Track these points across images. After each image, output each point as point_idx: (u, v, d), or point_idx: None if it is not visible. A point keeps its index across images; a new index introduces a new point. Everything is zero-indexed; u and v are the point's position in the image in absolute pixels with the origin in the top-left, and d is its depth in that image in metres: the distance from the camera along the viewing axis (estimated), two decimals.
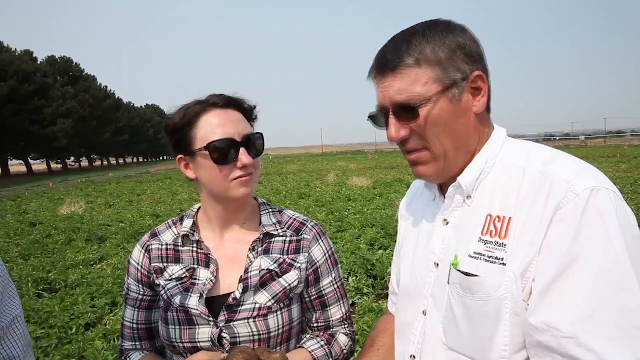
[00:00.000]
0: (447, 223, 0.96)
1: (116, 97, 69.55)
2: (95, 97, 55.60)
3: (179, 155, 1.15)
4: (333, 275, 1.21)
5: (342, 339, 1.21)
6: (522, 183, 0.85)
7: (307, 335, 1.20)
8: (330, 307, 1.21)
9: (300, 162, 37.56)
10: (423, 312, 0.97)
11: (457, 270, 0.88)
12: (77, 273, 5.71)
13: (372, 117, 0.96)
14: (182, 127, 1.11)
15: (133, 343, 1.21)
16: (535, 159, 0.87)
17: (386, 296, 4.93)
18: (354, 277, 4.99)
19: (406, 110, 0.87)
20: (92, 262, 6.47)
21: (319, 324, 1.21)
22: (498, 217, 0.86)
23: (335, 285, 1.21)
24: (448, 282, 0.90)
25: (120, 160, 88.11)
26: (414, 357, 0.98)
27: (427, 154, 0.91)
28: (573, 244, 0.75)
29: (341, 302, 1.22)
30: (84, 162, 72.39)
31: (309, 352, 1.13)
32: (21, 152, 49.27)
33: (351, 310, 1.29)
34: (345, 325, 1.23)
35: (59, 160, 60.62)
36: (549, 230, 0.78)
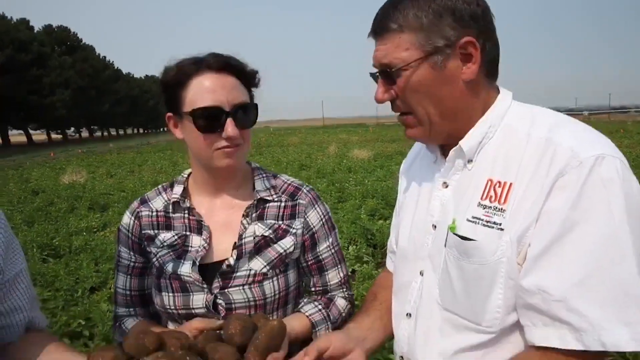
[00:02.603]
0: (446, 186, 0.96)
1: (115, 67, 68.69)
2: (94, 68, 54.87)
3: (169, 114, 1.12)
4: (330, 240, 1.20)
5: (341, 303, 1.20)
6: (525, 149, 0.85)
7: (305, 300, 1.20)
8: (328, 272, 1.20)
9: (301, 135, 37.39)
10: (420, 273, 0.99)
11: (455, 234, 0.89)
12: (80, 239, 5.78)
13: (372, 76, 0.97)
14: (173, 86, 1.07)
15: (127, 309, 1.20)
16: (541, 125, 0.86)
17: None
18: (355, 246, 5.06)
19: (388, 75, 0.89)
20: (95, 230, 6.56)
21: (317, 289, 1.21)
22: (499, 182, 0.86)
23: (333, 250, 1.20)
24: (445, 245, 0.92)
25: (121, 132, 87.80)
26: (410, 315, 1.00)
27: (413, 119, 0.92)
28: (572, 211, 0.76)
29: (339, 266, 1.21)
30: (85, 133, 72.11)
31: (307, 316, 1.12)
32: (21, 122, 49.03)
33: (350, 275, 1.30)
34: (344, 289, 1.23)
35: (59, 131, 60.42)
36: (549, 197, 0.79)
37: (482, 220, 0.86)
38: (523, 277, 0.80)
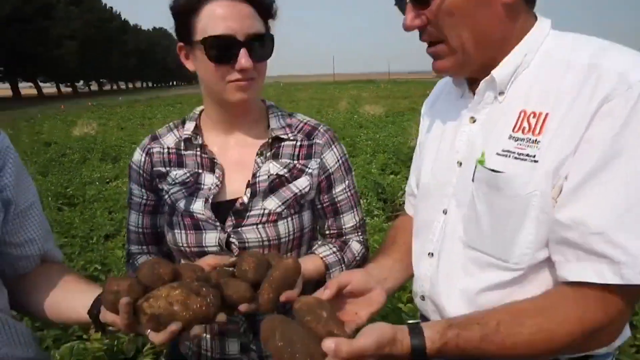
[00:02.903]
0: (474, 121, 0.91)
1: (122, 19, 67.30)
2: (100, 18, 53.79)
3: (180, 44, 1.06)
4: (347, 182, 1.16)
5: (355, 247, 1.18)
6: (564, 77, 0.79)
7: (319, 242, 1.17)
8: (344, 215, 1.17)
9: (311, 90, 36.85)
10: (443, 211, 0.96)
11: (484, 167, 0.85)
12: (94, 189, 5.87)
13: (397, 3, 0.90)
14: (185, 12, 1.01)
15: (140, 247, 1.19)
16: (582, 52, 0.79)
17: (396, 218, 5.07)
18: (365, 200, 5.06)
19: None
20: (108, 180, 6.64)
21: (331, 232, 1.18)
22: (533, 113, 0.81)
23: (349, 193, 1.17)
24: (473, 180, 0.88)
25: (130, 85, 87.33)
26: (432, 255, 0.98)
27: (444, 47, 0.85)
28: (617, 139, 0.71)
29: (355, 210, 1.18)
30: (94, 87, 71.89)
31: (321, 258, 1.10)
32: (30, 74, 48.83)
33: (365, 219, 1.26)
34: (359, 234, 1.20)
35: (68, 84, 60.23)
36: (591, 124, 0.73)
37: (513, 153, 0.81)
38: (559, 211, 0.76)
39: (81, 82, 65.40)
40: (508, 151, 0.82)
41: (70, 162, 7.90)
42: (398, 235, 1.14)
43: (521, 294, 0.83)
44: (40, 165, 7.55)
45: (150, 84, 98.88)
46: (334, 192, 1.15)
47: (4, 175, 0.86)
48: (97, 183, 6.34)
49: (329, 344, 0.72)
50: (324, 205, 1.16)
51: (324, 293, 0.87)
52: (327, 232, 1.19)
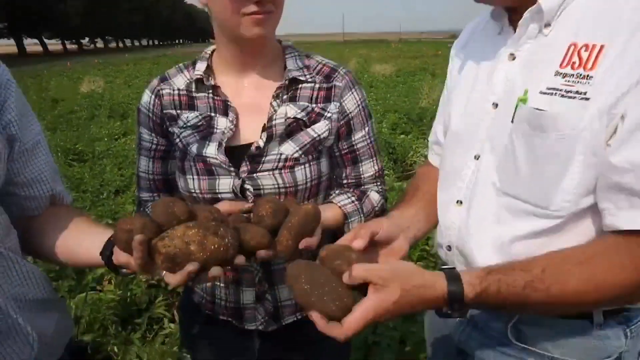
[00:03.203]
0: (514, 58, 0.84)
1: None
2: None
3: None
4: (366, 129, 1.10)
5: (374, 197, 1.13)
6: (626, 2, 0.70)
7: (337, 191, 1.13)
8: (363, 164, 1.11)
9: (320, 50, 36.01)
10: (475, 157, 0.90)
11: (527, 106, 0.78)
12: (103, 145, 5.86)
13: None
14: None
15: (151, 194, 1.14)
16: None
17: (406, 178, 5.06)
18: None
19: None
20: (116, 137, 6.61)
21: (349, 181, 1.13)
22: (586, 45, 0.73)
23: (369, 140, 1.11)
24: (512, 121, 0.81)
25: (136, 43, 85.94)
26: (461, 202, 0.93)
27: None
28: None
29: (374, 158, 1.13)
30: (100, 44, 70.83)
31: (339, 207, 1.05)
32: (35, 30, 48.06)
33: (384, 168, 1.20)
34: (378, 183, 1.15)
35: (74, 41, 59.39)
36: None
37: (560, 90, 0.74)
38: (613, 153, 0.70)
39: (86, 39, 64.41)
40: (554, 89, 0.75)
41: (78, 119, 7.86)
42: (421, 184, 1.09)
43: (558, 244, 0.78)
44: (49, 122, 7.52)
45: (156, 42, 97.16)
46: (353, 138, 1.09)
47: (6, 110, 0.81)
48: (106, 139, 6.32)
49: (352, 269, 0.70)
50: (342, 152, 1.10)
51: (356, 241, 0.82)
52: (345, 181, 1.13)
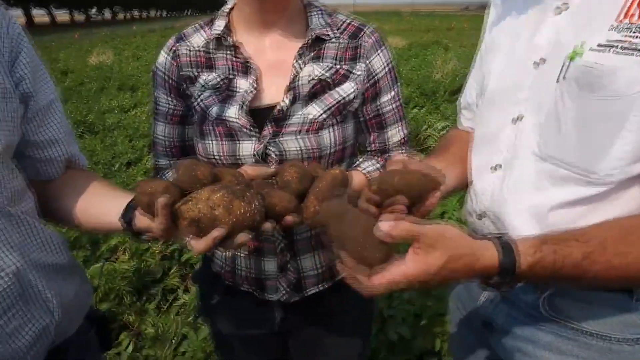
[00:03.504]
0: (561, 10, 0.77)
1: None
2: None
3: None
4: (393, 92, 1.04)
5: None
6: None
7: (361, 158, 1.08)
8: (388, 129, 1.06)
9: None
10: (514, 119, 0.84)
11: (577, 64, 0.72)
12: (113, 117, 5.84)
13: None
14: None
15: (168, 161, 1.10)
16: None
17: (420, 152, 5.00)
18: None
19: None
20: (127, 109, 6.58)
21: (375, 147, 1.08)
22: None
23: (395, 104, 1.05)
24: (559, 80, 0.75)
25: (144, 14, 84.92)
26: (497, 168, 0.88)
27: None
28: None
29: (400, 124, 1.07)
30: (107, 15, 70.11)
31: (364, 173, 1.01)
32: (44, 0, 47.61)
33: (410, 134, 1.14)
34: (404, 150, 1.10)
35: (82, 11, 58.83)
36: None
37: (616, 46, 0.68)
38: None
39: (94, 9, 63.75)
40: (610, 44, 0.69)
41: (88, 90, 7.83)
42: (451, 144, 1.04)
43: (602, 213, 0.73)
44: (59, 93, 7.48)
45: (164, 13, 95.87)
46: (379, 102, 1.03)
47: (19, 65, 0.77)
48: (116, 111, 6.30)
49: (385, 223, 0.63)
50: (368, 117, 1.05)
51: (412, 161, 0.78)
52: (370, 147, 1.08)
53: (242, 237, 0.69)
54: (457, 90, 6.85)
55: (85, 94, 7.56)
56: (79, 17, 59.96)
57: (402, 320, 2.16)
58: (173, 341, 2.18)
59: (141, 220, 0.77)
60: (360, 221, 0.67)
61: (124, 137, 5.06)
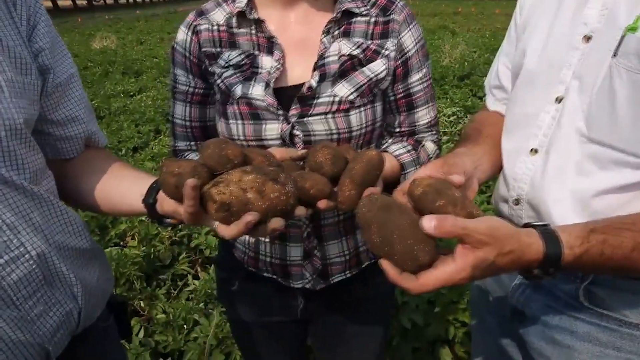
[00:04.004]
0: None
1: None
2: None
3: None
4: (424, 71, 0.99)
5: (430, 146, 1.03)
6: None
7: (390, 140, 1.04)
8: (418, 110, 1.01)
9: None
10: (557, 99, 0.79)
11: (638, 36, 0.66)
12: (119, 102, 5.79)
13: None
14: None
15: (188, 143, 1.05)
16: None
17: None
18: None
19: None
20: (132, 94, 6.53)
21: (403, 130, 1.03)
22: None
23: (425, 84, 1.00)
24: (615, 55, 0.70)
25: None
26: (536, 151, 0.83)
27: None
28: None
29: (429, 104, 1.03)
30: (110, 0, 69.55)
31: (395, 157, 0.96)
32: None
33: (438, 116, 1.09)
34: (433, 132, 1.05)
35: None
36: None
37: None
38: None
39: None
40: None
41: (92, 75, 7.77)
42: (483, 128, 0.98)
43: None
44: None
45: None
46: (409, 81, 0.98)
47: (37, 36, 0.72)
48: (122, 96, 6.25)
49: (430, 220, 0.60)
50: (398, 97, 1.00)
51: (455, 176, 0.72)
52: (398, 129, 1.04)
53: (276, 222, 0.65)
54: (467, 76, 6.75)
55: (90, 79, 7.50)
56: (82, 1, 59.48)
57: (416, 307, 2.14)
58: (185, 327, 2.17)
59: (166, 203, 0.72)
60: (407, 217, 0.63)
61: (130, 121, 5.02)
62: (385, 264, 0.64)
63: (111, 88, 6.73)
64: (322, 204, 0.72)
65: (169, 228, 2.90)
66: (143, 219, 2.79)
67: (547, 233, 0.65)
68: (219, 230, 0.66)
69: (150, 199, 0.76)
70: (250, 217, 0.62)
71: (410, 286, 0.63)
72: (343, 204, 0.74)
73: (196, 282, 2.49)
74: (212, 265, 2.59)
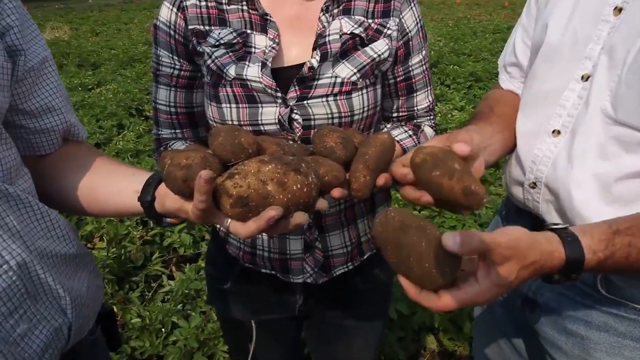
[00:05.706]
0: None
1: None
2: None
3: None
4: (423, 53, 0.96)
5: (429, 132, 1.00)
6: None
7: (389, 125, 1.00)
8: (417, 93, 0.97)
9: None
10: (583, 77, 0.76)
11: None
12: (77, 96, 5.48)
13: None
14: None
15: (173, 131, 0.96)
16: None
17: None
18: None
19: None
20: (90, 87, 6.20)
21: (401, 114, 0.99)
22: None
23: (424, 67, 0.97)
24: None
25: None
26: (558, 132, 0.80)
27: None
28: None
29: (428, 88, 0.99)
30: None
31: (397, 141, 0.92)
32: None
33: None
34: (431, 117, 1.02)
35: None
36: None
37: None
38: None
39: None
40: None
41: None
42: (495, 106, 0.94)
43: None
44: None
45: None
46: (410, 63, 0.94)
47: (3, 11, 0.62)
48: (79, 89, 5.92)
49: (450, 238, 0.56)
50: (398, 79, 0.95)
51: (460, 145, 0.67)
52: (396, 114, 1.00)
53: (300, 217, 0.58)
54: (434, 65, 6.81)
55: None
56: None
57: (401, 295, 2.12)
58: (163, 330, 2.06)
59: (169, 200, 0.64)
60: (425, 237, 0.58)
61: (90, 116, 4.75)
62: (404, 282, 0.60)
63: (67, 81, 6.35)
64: (336, 192, 0.67)
65: (140, 228, 2.77)
66: (112, 218, 2.64)
67: (568, 238, 0.62)
68: (232, 228, 0.59)
69: (147, 196, 0.67)
70: (273, 211, 0.55)
71: (432, 305, 0.59)
72: (358, 191, 0.68)
73: (172, 282, 2.38)
74: (188, 264, 2.49)
